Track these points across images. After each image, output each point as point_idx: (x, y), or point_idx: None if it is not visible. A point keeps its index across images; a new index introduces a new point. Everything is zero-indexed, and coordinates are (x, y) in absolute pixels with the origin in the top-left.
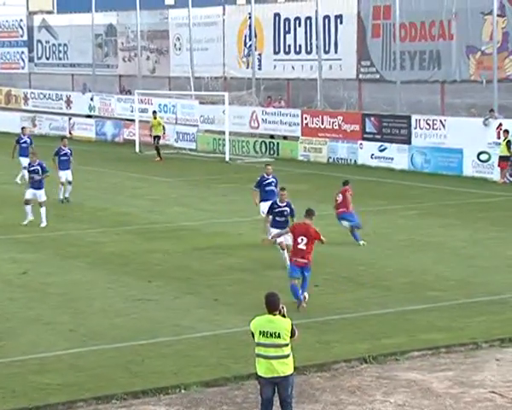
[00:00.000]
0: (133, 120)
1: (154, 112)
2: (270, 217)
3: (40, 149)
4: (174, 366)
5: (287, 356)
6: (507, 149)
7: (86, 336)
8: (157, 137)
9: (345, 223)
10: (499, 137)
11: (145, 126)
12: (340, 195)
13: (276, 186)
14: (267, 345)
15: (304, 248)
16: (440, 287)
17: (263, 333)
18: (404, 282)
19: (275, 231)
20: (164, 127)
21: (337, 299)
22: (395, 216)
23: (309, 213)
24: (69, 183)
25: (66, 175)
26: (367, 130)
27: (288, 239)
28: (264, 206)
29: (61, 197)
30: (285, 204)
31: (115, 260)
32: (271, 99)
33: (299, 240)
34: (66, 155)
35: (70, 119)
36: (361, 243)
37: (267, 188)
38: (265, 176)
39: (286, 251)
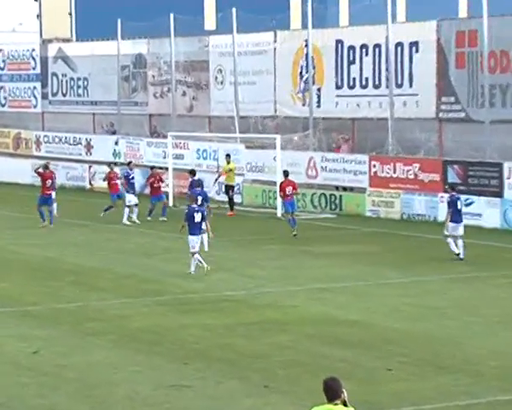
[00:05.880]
0: (166, 168)
1: (228, 155)
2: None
3: (57, 203)
4: None
5: None
6: None
7: None
8: (230, 188)
9: None
10: None
11: (180, 176)
12: None
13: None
14: None
15: None
16: None
17: None
18: (495, 366)
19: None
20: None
21: (415, 386)
22: (484, 285)
23: None
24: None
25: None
26: (449, 180)
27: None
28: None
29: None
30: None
31: (144, 338)
32: (343, 140)
33: None
34: (133, 178)
35: (90, 167)
36: None
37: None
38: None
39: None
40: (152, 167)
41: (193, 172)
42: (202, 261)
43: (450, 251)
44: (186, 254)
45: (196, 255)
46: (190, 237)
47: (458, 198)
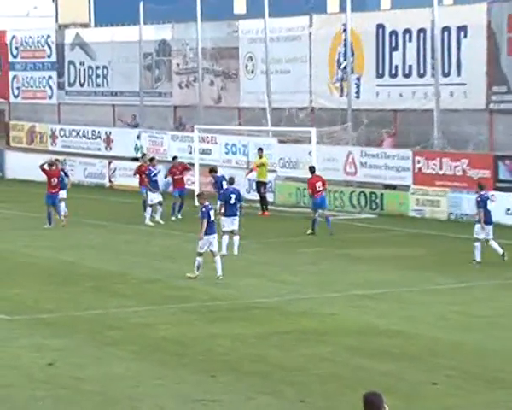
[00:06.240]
0: (192, 164)
1: (261, 149)
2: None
3: (73, 201)
4: None
5: None
6: None
7: None
8: (263, 185)
9: None
10: None
11: (207, 173)
12: None
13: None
14: None
15: None
16: None
17: None
18: None
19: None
20: (262, 166)
21: (463, 402)
22: None
23: None
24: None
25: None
26: (501, 177)
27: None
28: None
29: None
30: None
31: (168, 349)
32: (387, 134)
33: None
34: (156, 175)
35: (110, 163)
36: None
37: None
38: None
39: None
40: (174, 157)
41: (214, 170)
42: (199, 268)
43: (474, 256)
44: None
45: (200, 258)
46: (204, 237)
47: (488, 198)
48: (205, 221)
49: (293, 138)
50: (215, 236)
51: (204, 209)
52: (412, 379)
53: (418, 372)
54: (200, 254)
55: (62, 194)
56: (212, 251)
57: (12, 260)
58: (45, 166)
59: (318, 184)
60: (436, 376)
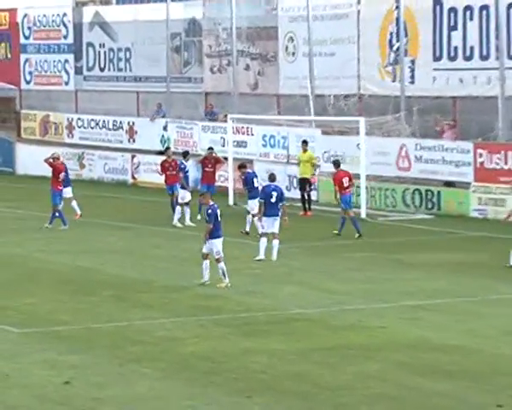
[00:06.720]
0: (225, 158)
1: (305, 142)
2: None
3: (92, 200)
4: None
5: None
6: None
7: None
8: (307, 182)
9: None
10: None
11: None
12: None
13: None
14: None
15: None
16: None
17: None
18: None
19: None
20: (315, 166)
21: None
22: None
23: None
24: None
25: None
26: None
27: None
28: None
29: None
30: None
31: (198, 366)
32: (447, 126)
33: None
34: (188, 171)
35: (133, 157)
36: None
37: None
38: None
39: None
40: (209, 148)
41: (244, 166)
42: (225, 274)
43: None
44: (250, 264)
45: (221, 264)
46: (215, 241)
47: None
48: (211, 225)
49: (339, 129)
50: (221, 240)
51: (210, 211)
52: (473, 401)
53: (480, 393)
54: (218, 260)
55: (68, 192)
56: (216, 258)
57: (23, 266)
58: (51, 160)
59: (345, 180)
60: (501, 397)
